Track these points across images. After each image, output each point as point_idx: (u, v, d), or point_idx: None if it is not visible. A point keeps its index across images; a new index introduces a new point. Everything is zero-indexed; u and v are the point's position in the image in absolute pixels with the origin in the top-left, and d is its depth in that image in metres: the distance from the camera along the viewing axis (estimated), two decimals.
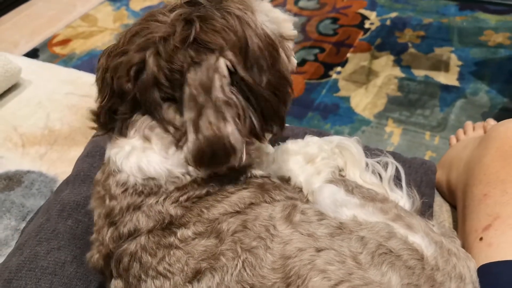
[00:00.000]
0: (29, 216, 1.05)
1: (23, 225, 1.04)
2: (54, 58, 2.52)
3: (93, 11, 2.91)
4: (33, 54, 2.57)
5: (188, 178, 0.65)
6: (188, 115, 0.63)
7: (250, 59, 0.66)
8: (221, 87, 0.63)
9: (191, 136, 0.62)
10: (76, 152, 1.17)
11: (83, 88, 1.41)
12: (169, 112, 0.65)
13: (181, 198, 0.65)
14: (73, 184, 0.97)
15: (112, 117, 0.71)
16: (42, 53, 2.58)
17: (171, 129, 0.66)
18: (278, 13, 0.73)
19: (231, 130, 0.62)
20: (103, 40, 2.62)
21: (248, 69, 0.65)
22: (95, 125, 0.74)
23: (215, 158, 0.63)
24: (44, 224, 0.89)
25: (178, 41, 0.63)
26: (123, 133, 0.68)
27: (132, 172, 0.65)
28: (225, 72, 0.63)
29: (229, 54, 0.64)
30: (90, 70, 2.01)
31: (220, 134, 0.62)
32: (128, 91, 0.66)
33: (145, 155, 0.65)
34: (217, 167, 0.65)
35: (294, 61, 0.77)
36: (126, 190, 0.65)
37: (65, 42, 2.66)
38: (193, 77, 0.62)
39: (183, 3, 0.68)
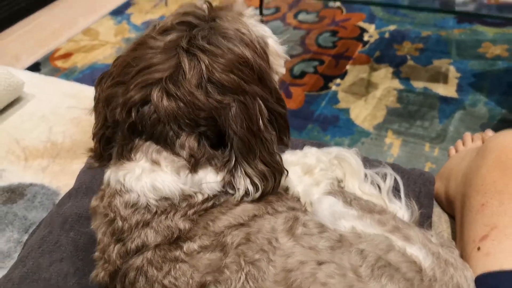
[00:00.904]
0: (32, 229, 1.05)
1: (25, 237, 1.04)
2: (55, 72, 2.55)
3: (95, 25, 2.95)
4: (34, 67, 2.60)
5: (201, 197, 0.66)
6: (240, 159, 0.66)
7: (267, 83, 0.68)
8: (265, 126, 0.67)
9: (245, 180, 0.67)
10: (78, 165, 1.18)
11: (86, 102, 1.42)
12: (189, 141, 0.65)
13: (189, 212, 0.65)
14: (75, 197, 0.98)
15: (106, 145, 0.73)
16: (44, 67, 2.61)
17: (185, 155, 0.66)
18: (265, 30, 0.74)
19: (278, 157, 0.70)
20: (104, 54, 2.65)
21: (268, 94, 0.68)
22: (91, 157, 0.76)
23: (276, 182, 0.70)
24: (47, 236, 0.90)
25: (193, 86, 0.63)
26: (125, 157, 0.68)
27: (144, 192, 0.65)
28: (265, 111, 0.66)
29: (258, 90, 0.65)
30: (91, 83, 2.01)
31: (275, 164, 0.69)
32: (124, 121, 0.66)
33: (158, 175, 0.65)
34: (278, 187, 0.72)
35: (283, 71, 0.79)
36: (136, 209, 0.65)
37: (66, 55, 2.69)
38: (236, 122, 0.64)
39: (175, 24, 0.68)
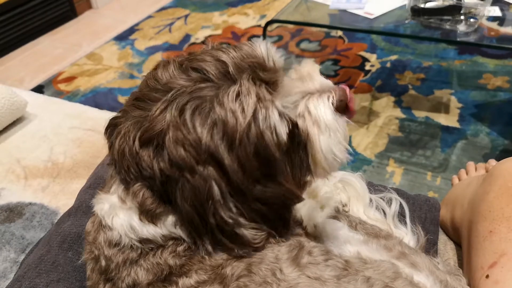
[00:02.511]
0: (29, 249, 1.03)
1: (22, 257, 1.02)
2: (58, 95, 2.55)
3: (98, 50, 2.97)
4: (38, 90, 2.60)
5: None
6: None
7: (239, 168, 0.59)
8: (216, 210, 0.58)
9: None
10: (78, 185, 1.17)
11: (88, 122, 1.42)
12: (142, 191, 0.60)
13: (179, 248, 0.62)
14: (74, 216, 0.96)
15: None
16: (47, 90, 2.61)
17: (139, 202, 0.61)
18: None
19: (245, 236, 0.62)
20: (107, 78, 2.66)
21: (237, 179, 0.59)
22: None
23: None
24: (44, 256, 0.88)
25: (137, 146, 0.58)
26: (108, 185, 0.65)
27: (125, 232, 0.61)
28: (218, 195, 0.58)
29: (214, 175, 0.57)
30: (94, 106, 2.03)
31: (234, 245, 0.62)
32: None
33: (134, 214, 0.61)
34: None
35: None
36: (120, 250, 0.62)
37: (70, 79, 2.70)
38: (181, 196, 0.58)
39: (189, 67, 0.60)
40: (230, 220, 0.59)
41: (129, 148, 0.59)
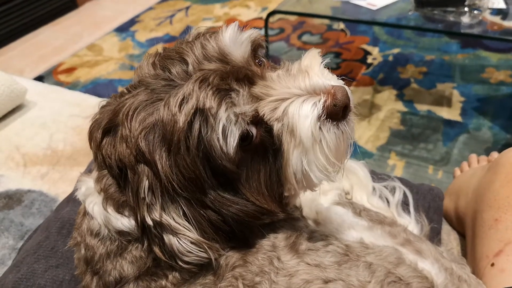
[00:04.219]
0: (28, 236, 1.03)
1: (21, 244, 1.01)
2: (58, 86, 2.53)
3: (99, 41, 2.95)
4: (38, 81, 2.58)
5: None
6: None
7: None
8: (148, 209, 0.56)
9: None
10: (78, 172, 1.15)
11: (88, 110, 1.41)
12: (108, 179, 0.60)
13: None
14: (73, 202, 0.95)
15: None
16: (47, 80, 2.60)
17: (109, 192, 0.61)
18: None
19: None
20: (108, 69, 2.64)
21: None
22: None
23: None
24: (43, 242, 0.87)
25: (100, 134, 0.59)
26: (94, 168, 0.64)
27: (103, 223, 0.60)
28: (146, 193, 0.56)
29: (147, 172, 0.56)
30: None
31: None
32: None
33: (108, 208, 0.60)
34: None
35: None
36: (100, 240, 0.62)
37: (70, 70, 2.68)
38: (128, 189, 0.58)
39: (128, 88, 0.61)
40: (151, 223, 0.56)
41: (95, 135, 0.59)
